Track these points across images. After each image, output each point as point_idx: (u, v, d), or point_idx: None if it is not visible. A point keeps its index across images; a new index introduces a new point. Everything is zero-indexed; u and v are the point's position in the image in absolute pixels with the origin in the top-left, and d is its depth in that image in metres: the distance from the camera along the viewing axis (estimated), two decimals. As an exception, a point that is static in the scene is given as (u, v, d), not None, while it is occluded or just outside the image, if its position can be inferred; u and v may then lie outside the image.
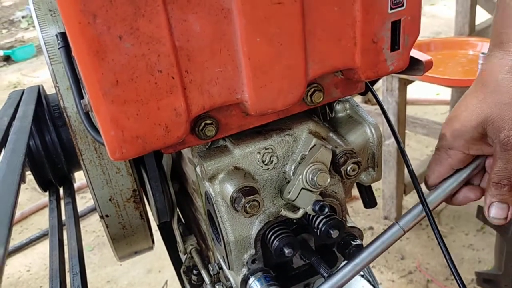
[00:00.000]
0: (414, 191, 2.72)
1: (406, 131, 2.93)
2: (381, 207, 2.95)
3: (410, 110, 3.58)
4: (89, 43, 0.51)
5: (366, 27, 0.61)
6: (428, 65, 0.69)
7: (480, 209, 1.85)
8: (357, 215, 3.08)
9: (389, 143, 2.67)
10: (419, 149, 3.62)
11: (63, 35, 0.72)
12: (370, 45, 0.63)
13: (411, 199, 3.12)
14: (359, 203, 3.11)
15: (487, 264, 2.60)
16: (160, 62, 0.54)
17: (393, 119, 2.59)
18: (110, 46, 0.52)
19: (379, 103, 0.80)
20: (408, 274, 2.63)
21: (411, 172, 0.77)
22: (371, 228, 2.95)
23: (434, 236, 0.73)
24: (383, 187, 2.85)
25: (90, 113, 0.65)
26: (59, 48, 0.71)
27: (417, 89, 3.85)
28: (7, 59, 6.53)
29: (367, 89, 0.75)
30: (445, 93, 4.02)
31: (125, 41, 0.52)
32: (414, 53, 0.69)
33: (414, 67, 0.70)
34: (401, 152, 0.78)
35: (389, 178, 2.75)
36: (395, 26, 0.63)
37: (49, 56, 0.81)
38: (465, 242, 2.76)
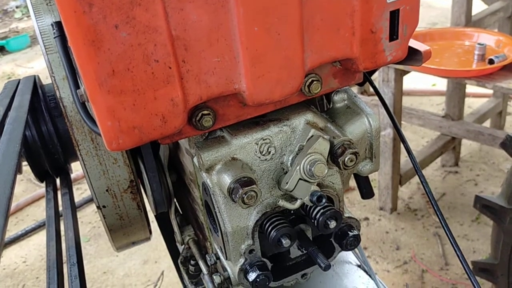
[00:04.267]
0: (409, 182, 2.69)
1: (402, 122, 2.94)
2: (376, 198, 2.96)
3: (406, 101, 3.59)
4: (85, 32, 0.50)
5: (364, 17, 0.61)
6: (427, 55, 0.68)
7: (477, 199, 1.86)
8: (352, 205, 3.09)
9: (385, 134, 2.67)
10: (415, 140, 3.63)
11: (58, 25, 0.71)
12: (369, 35, 0.62)
13: (406, 189, 3.13)
14: (355, 193, 3.12)
15: (482, 254, 2.62)
16: (156, 51, 0.54)
17: (389, 110, 2.59)
18: (106, 36, 0.51)
19: (377, 93, 0.80)
20: (403, 264, 2.64)
21: (410, 154, 0.77)
22: (366, 219, 2.97)
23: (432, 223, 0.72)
24: (379, 178, 2.86)
25: (86, 103, 0.65)
26: (54, 38, 0.71)
27: (413, 80, 3.85)
28: (1, 49, 6.48)
29: (365, 80, 0.75)
30: (441, 83, 4.02)
31: (121, 30, 0.52)
32: (413, 43, 0.69)
33: (413, 57, 0.69)
34: (401, 137, 0.78)
35: (385, 169, 2.76)
36: (394, 16, 0.62)
37: (44, 46, 0.81)
38: (460, 232, 2.77)
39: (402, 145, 2.89)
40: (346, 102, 0.77)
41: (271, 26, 0.57)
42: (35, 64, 5.93)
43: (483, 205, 1.84)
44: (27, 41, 6.56)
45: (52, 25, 0.73)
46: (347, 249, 0.76)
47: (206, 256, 0.89)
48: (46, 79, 0.97)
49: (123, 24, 0.51)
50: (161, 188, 0.85)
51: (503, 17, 3.09)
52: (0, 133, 0.81)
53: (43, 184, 1.06)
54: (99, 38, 0.51)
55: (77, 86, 0.66)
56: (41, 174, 1.04)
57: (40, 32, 0.82)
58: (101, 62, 0.52)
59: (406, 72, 2.56)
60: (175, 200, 0.96)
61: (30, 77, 1.05)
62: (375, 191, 2.95)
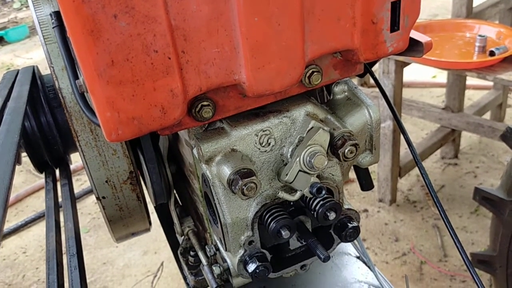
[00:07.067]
0: (409, 174, 2.69)
1: (402, 114, 2.93)
2: (376, 189, 2.97)
3: (406, 93, 3.58)
4: (83, 22, 0.50)
5: (365, 7, 0.60)
6: (428, 46, 0.68)
7: (476, 191, 1.86)
8: (352, 197, 3.09)
9: (385, 126, 2.67)
10: (415, 132, 3.63)
11: (57, 14, 0.71)
12: (370, 25, 0.62)
13: (405, 181, 3.14)
14: (354, 185, 3.12)
15: (480, 246, 2.63)
16: (156, 42, 0.53)
17: (389, 101, 2.59)
18: (105, 25, 0.51)
19: (378, 84, 0.79)
20: (402, 255, 2.65)
21: (410, 146, 0.77)
22: (366, 210, 2.97)
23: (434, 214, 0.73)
24: (378, 170, 2.86)
25: (85, 94, 0.65)
26: (53, 28, 0.70)
27: (413, 72, 3.84)
28: (0, 40, 6.45)
29: (366, 71, 0.74)
30: (442, 75, 4.01)
31: (120, 20, 0.51)
32: (414, 34, 0.68)
33: (414, 48, 0.69)
34: (401, 129, 0.78)
35: (384, 161, 2.76)
36: (395, 7, 0.62)
37: (43, 36, 0.80)
38: (458, 224, 2.78)
39: (402, 137, 2.89)
40: (346, 93, 0.77)
41: (271, 16, 0.56)
42: (34, 54, 5.91)
43: (483, 197, 1.84)
44: (26, 31, 6.53)
45: (51, 15, 0.73)
46: (346, 241, 0.76)
47: (206, 247, 0.89)
48: (45, 70, 0.96)
49: (122, 14, 0.51)
50: (160, 180, 0.85)
51: (504, 8, 3.07)
52: (-1, 124, 0.81)
53: (43, 175, 1.06)
54: (98, 28, 0.50)
55: (76, 77, 0.66)
56: (40, 165, 1.04)
57: (39, 22, 0.81)
58: (100, 52, 0.51)
59: (407, 64, 2.55)
60: (174, 191, 0.96)
61: (29, 68, 1.04)
62: (375, 183, 2.97)
